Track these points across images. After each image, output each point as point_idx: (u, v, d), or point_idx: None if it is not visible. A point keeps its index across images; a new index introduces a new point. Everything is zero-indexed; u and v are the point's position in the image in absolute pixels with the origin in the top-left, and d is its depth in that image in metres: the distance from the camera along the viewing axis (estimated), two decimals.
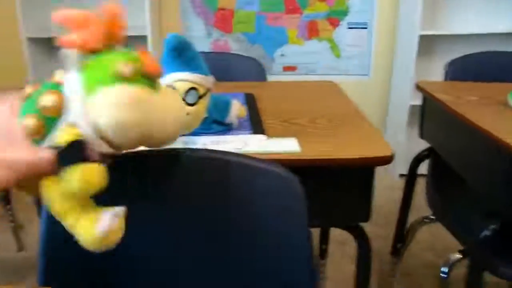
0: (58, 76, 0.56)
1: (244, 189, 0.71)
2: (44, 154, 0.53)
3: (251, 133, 1.03)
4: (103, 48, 0.54)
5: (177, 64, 0.96)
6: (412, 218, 1.74)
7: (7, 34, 2.80)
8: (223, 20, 2.88)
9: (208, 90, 0.99)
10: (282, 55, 2.93)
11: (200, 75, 0.97)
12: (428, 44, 2.72)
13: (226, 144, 0.98)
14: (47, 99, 0.53)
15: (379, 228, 2.18)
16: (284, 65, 2.96)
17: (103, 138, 0.53)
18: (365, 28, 2.85)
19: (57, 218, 0.55)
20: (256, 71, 1.71)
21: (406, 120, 2.70)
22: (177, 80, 0.96)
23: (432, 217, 1.62)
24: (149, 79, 0.54)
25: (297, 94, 1.44)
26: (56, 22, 0.53)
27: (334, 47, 2.89)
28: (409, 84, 2.63)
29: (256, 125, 1.08)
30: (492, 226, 1.24)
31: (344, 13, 2.82)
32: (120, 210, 0.56)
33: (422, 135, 1.61)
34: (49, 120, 0.53)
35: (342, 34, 2.87)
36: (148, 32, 2.60)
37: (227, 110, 1.05)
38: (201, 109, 0.99)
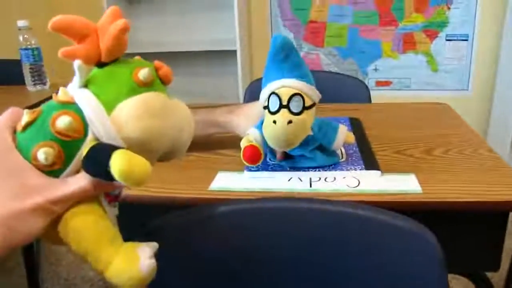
0: (62, 95, 0.48)
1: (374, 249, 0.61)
2: (80, 182, 0.46)
3: (362, 168, 0.91)
4: (106, 61, 0.49)
5: (283, 69, 0.85)
6: None
7: None
8: (313, 34, 2.79)
9: (314, 103, 0.87)
10: (376, 69, 2.79)
11: (307, 85, 0.85)
12: None
13: (335, 181, 0.87)
14: (65, 121, 0.45)
15: None
16: (377, 79, 2.81)
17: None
18: (465, 40, 2.66)
19: (84, 256, 0.46)
20: (358, 91, 1.59)
21: (510, 141, 2.48)
22: (282, 86, 0.85)
23: None
24: (163, 83, 0.52)
25: (405, 118, 1.31)
26: (55, 30, 0.46)
27: (431, 61, 2.72)
28: None
29: (368, 158, 0.96)
30: None
31: (443, 24, 2.64)
32: (155, 244, 0.48)
33: None
34: (69, 145, 0.46)
35: (440, 46, 2.69)
36: (237, 47, 2.56)
37: (334, 134, 0.91)
38: (307, 120, 0.86)
